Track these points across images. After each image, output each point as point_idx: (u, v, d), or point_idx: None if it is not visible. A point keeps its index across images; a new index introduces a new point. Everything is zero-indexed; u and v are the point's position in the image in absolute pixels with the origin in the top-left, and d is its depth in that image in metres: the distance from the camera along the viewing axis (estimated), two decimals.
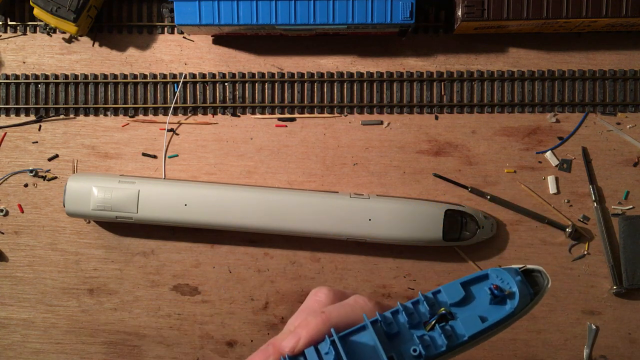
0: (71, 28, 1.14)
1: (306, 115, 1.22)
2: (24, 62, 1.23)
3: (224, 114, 1.22)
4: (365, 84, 1.21)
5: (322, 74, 1.21)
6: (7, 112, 1.22)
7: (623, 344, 1.19)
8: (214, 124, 1.22)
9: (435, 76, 1.21)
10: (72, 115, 1.22)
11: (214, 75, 1.22)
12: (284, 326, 0.54)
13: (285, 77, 1.21)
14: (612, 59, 1.20)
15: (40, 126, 1.22)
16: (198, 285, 1.21)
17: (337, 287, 1.18)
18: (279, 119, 1.21)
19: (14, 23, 1.22)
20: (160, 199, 1.12)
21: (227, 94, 1.22)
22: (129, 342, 1.21)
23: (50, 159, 1.22)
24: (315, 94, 1.22)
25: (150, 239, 1.21)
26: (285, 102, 1.21)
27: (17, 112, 1.22)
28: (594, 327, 1.17)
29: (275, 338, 0.49)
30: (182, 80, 1.21)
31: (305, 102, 1.21)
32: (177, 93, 1.21)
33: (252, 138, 1.21)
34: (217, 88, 1.22)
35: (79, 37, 1.22)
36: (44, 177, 1.22)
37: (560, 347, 1.19)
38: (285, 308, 1.20)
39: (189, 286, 1.21)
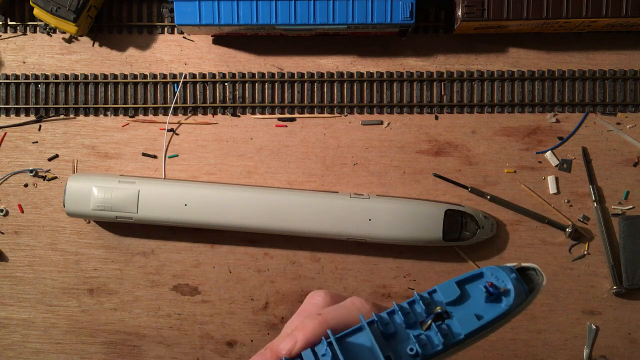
0: (71, 28, 1.14)
1: (306, 115, 1.22)
2: (24, 62, 1.23)
3: (224, 114, 1.22)
4: (365, 84, 1.21)
5: (322, 74, 1.21)
6: (7, 112, 1.22)
7: (623, 344, 1.19)
8: (214, 124, 1.22)
9: (435, 76, 1.21)
10: (72, 115, 1.22)
11: (214, 75, 1.22)
12: (283, 326, 0.54)
13: (285, 77, 1.21)
14: (612, 59, 1.20)
15: (40, 126, 1.22)
16: (198, 285, 1.21)
17: (337, 287, 1.19)
18: (279, 119, 1.21)
19: (14, 23, 1.22)
20: (160, 199, 1.12)
21: (227, 94, 1.22)
22: (129, 342, 1.21)
23: (50, 159, 1.22)
24: (315, 94, 1.22)
25: (150, 239, 1.21)
26: (285, 102, 1.21)
27: (17, 112, 1.22)
28: (594, 327, 1.17)
29: (272, 342, 0.49)
30: (182, 80, 1.21)
31: (305, 102, 1.21)
32: (177, 93, 1.21)
33: (252, 138, 1.21)
34: (217, 88, 1.22)
35: (79, 37, 1.22)
36: (44, 177, 1.22)
37: (560, 347, 1.19)
38: (285, 308, 1.20)
39: (189, 286, 1.21)
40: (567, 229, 1.18)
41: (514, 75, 1.20)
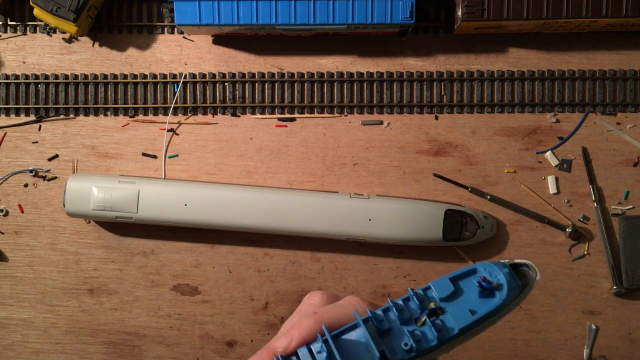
0: (71, 28, 1.15)
1: (306, 115, 1.22)
2: (24, 62, 1.23)
3: (224, 114, 1.22)
4: (365, 84, 1.21)
5: (322, 74, 1.21)
6: (7, 112, 1.22)
7: (623, 344, 1.19)
8: (214, 124, 1.22)
9: (435, 76, 1.21)
10: (72, 115, 1.22)
11: (214, 75, 1.22)
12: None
13: (285, 77, 1.21)
14: (612, 59, 1.20)
15: (40, 126, 1.22)
16: (198, 285, 1.21)
17: (337, 287, 1.19)
18: (279, 119, 1.21)
19: (14, 23, 1.22)
20: (160, 199, 1.12)
21: (227, 94, 1.22)
22: (129, 342, 1.21)
23: (50, 159, 1.22)
24: (315, 94, 1.22)
25: (150, 239, 1.21)
26: (285, 102, 1.21)
27: (17, 112, 1.22)
28: (594, 327, 1.17)
29: (269, 342, 0.49)
30: (182, 80, 1.21)
31: (305, 102, 1.21)
32: (177, 93, 1.21)
33: (252, 138, 1.21)
34: (217, 88, 1.22)
35: (79, 37, 1.22)
36: (44, 177, 1.22)
37: (560, 347, 1.19)
38: (285, 308, 1.20)
39: (189, 286, 1.21)
40: (567, 229, 1.18)
41: (514, 75, 1.20)
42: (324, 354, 0.45)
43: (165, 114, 1.21)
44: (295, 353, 0.46)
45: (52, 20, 1.14)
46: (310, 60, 1.22)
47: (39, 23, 1.22)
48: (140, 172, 1.21)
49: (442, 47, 1.21)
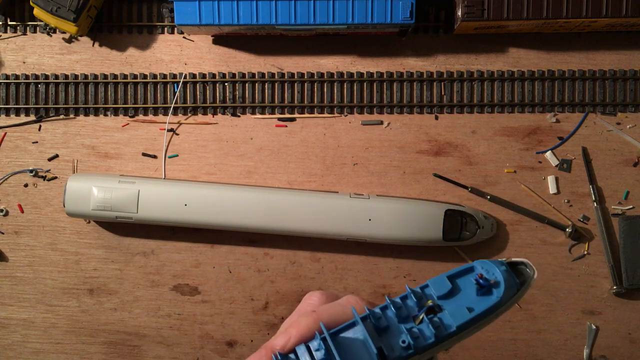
0: (71, 28, 1.15)
1: (306, 115, 1.22)
2: (24, 62, 1.23)
3: (224, 114, 1.22)
4: (365, 84, 1.21)
5: (322, 74, 1.21)
6: (7, 112, 1.22)
7: (623, 344, 1.19)
8: (214, 124, 1.22)
9: (435, 76, 1.21)
10: (72, 115, 1.22)
11: (214, 75, 1.22)
12: None
13: (285, 77, 1.21)
14: (612, 59, 1.20)
15: (40, 126, 1.22)
16: (198, 285, 1.21)
17: (337, 287, 1.19)
18: (279, 119, 1.21)
19: (14, 23, 1.22)
20: (160, 199, 1.12)
21: (227, 94, 1.22)
22: (129, 342, 1.21)
23: (50, 159, 1.22)
24: (315, 94, 1.22)
25: (150, 239, 1.21)
26: (285, 102, 1.21)
27: (17, 112, 1.22)
28: (594, 327, 1.17)
29: (268, 341, 0.49)
30: (182, 80, 1.21)
31: (305, 102, 1.21)
32: (177, 93, 1.21)
33: (252, 138, 1.21)
34: (217, 88, 1.22)
35: (79, 37, 1.22)
36: (44, 177, 1.22)
37: (560, 347, 1.19)
38: (285, 308, 1.20)
39: (189, 286, 1.21)
40: (567, 229, 1.18)
41: (514, 75, 1.20)
42: (322, 352, 0.45)
43: (165, 114, 1.21)
44: (293, 351, 0.46)
45: (52, 20, 1.14)
46: (310, 60, 1.22)
47: (39, 23, 1.22)
48: (140, 172, 1.21)
49: (442, 47, 1.21)
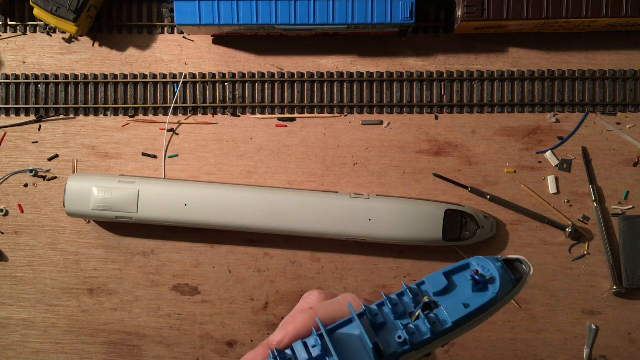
0: (71, 28, 1.15)
1: (306, 115, 1.22)
2: (24, 62, 1.23)
3: (224, 114, 1.22)
4: (365, 84, 1.21)
5: (322, 74, 1.21)
6: (7, 112, 1.22)
7: (623, 344, 1.19)
8: (214, 124, 1.22)
9: (435, 76, 1.21)
10: (72, 115, 1.22)
11: (214, 75, 1.22)
12: None
13: (285, 77, 1.21)
14: (612, 59, 1.20)
15: (40, 126, 1.22)
16: (198, 285, 1.21)
17: (337, 287, 1.19)
18: (279, 119, 1.21)
19: (14, 23, 1.22)
20: (160, 199, 1.12)
21: (227, 94, 1.22)
22: (129, 342, 1.21)
23: (50, 159, 1.22)
24: (315, 94, 1.22)
25: (150, 239, 1.21)
26: (285, 102, 1.21)
27: (17, 112, 1.22)
28: (594, 327, 1.17)
29: (266, 340, 0.50)
30: (182, 80, 1.21)
31: (305, 102, 1.21)
32: (177, 93, 1.21)
33: (252, 138, 1.21)
34: (217, 88, 1.22)
35: (79, 37, 1.22)
36: (44, 177, 1.22)
37: (560, 347, 1.19)
38: (285, 308, 1.20)
39: (189, 286, 1.21)
40: (567, 229, 1.18)
41: (514, 75, 1.20)
42: (319, 348, 0.45)
43: (165, 114, 1.21)
44: (290, 347, 0.47)
45: (52, 20, 1.14)
46: (310, 60, 1.22)
47: (39, 23, 1.22)
48: (140, 172, 1.21)
49: (442, 47, 1.21)
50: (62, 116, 1.22)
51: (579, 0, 1.08)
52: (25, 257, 1.22)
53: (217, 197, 1.12)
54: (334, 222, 1.11)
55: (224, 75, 1.21)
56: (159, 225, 1.17)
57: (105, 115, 1.22)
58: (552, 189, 1.19)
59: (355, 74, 1.21)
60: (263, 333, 1.20)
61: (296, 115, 1.21)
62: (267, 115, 1.22)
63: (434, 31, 1.21)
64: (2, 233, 1.22)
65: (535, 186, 1.20)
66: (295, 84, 1.21)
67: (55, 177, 1.22)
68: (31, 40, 1.23)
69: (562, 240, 1.20)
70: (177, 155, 1.21)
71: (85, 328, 1.21)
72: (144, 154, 1.21)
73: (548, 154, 1.20)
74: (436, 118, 1.21)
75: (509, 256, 0.51)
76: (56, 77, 1.22)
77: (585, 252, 1.19)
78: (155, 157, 1.21)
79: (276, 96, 1.21)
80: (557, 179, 1.20)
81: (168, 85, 1.22)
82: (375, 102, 1.21)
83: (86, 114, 1.22)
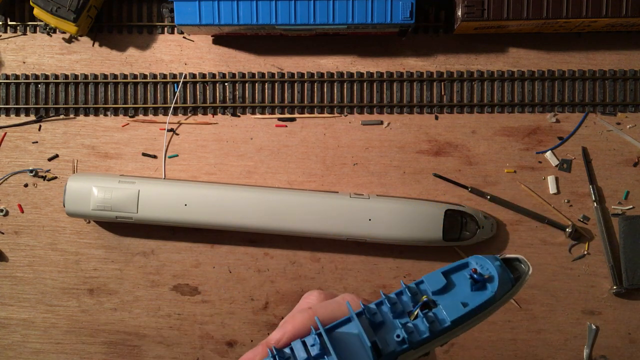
0: (71, 28, 1.15)
1: (306, 115, 1.22)
2: (24, 62, 1.23)
3: (224, 114, 1.22)
4: (365, 84, 1.21)
5: (322, 74, 1.21)
6: (7, 112, 1.22)
7: (623, 344, 1.19)
8: (214, 124, 1.22)
9: (435, 76, 1.21)
10: (72, 115, 1.22)
11: (214, 75, 1.22)
12: None
13: (285, 77, 1.21)
14: (612, 59, 1.20)
15: (40, 126, 1.22)
16: (198, 285, 1.21)
17: (337, 287, 1.19)
18: (279, 119, 1.21)
19: (14, 23, 1.22)
20: (160, 199, 1.12)
21: (227, 94, 1.22)
22: (129, 342, 1.21)
23: (50, 159, 1.22)
24: (315, 94, 1.22)
25: (150, 239, 1.21)
26: (285, 102, 1.21)
27: (17, 112, 1.22)
28: (594, 327, 1.17)
29: (265, 339, 0.50)
30: (182, 80, 1.21)
31: (305, 102, 1.21)
32: (177, 93, 1.21)
33: (252, 138, 1.21)
34: (217, 88, 1.22)
35: (79, 37, 1.22)
36: (44, 177, 1.22)
37: (560, 347, 1.19)
38: (285, 308, 1.20)
39: (189, 286, 1.21)
40: (567, 229, 1.18)
41: (514, 75, 1.20)
42: (317, 347, 0.45)
43: (165, 114, 1.21)
44: (289, 346, 0.47)
45: (52, 20, 1.14)
46: (310, 60, 1.22)
47: (39, 23, 1.22)
48: (140, 172, 1.21)
49: (442, 47, 1.21)
50: (62, 116, 1.22)
51: (579, 0, 1.08)
52: (25, 257, 1.22)
53: (217, 197, 1.12)
54: (334, 222, 1.11)
55: (224, 75, 1.21)
56: (159, 225, 1.17)
57: (105, 115, 1.22)
58: (552, 189, 1.19)
59: (355, 74, 1.21)
60: (263, 333, 1.20)
61: (296, 115, 1.21)
62: (267, 115, 1.22)
63: (434, 31, 1.21)
64: (2, 233, 1.22)
65: (535, 186, 1.20)
66: (295, 84, 1.21)
67: (55, 177, 1.22)
68: (31, 40, 1.23)
69: (562, 240, 1.20)
70: (177, 155, 1.21)
71: (85, 328, 1.21)
72: (144, 154, 1.21)
73: (548, 154, 1.20)
74: (436, 118, 1.21)
75: (508, 255, 0.51)
76: (56, 77, 1.22)
77: (585, 252, 1.19)
78: (155, 157, 1.21)
79: (276, 96, 1.21)
80: (557, 179, 1.20)
81: (168, 85, 1.22)
82: (375, 102, 1.21)
83: (86, 114, 1.22)
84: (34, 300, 1.22)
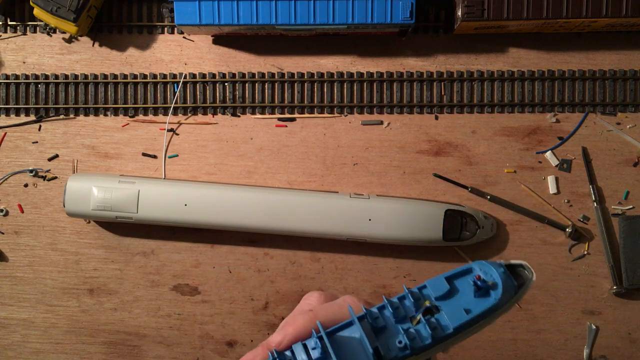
0: (71, 28, 1.15)
1: (306, 115, 1.22)
2: (24, 62, 1.23)
3: (224, 114, 1.22)
4: (365, 84, 1.21)
5: (322, 74, 1.21)
6: (7, 112, 1.22)
7: (623, 344, 1.19)
8: (214, 124, 1.22)
9: (435, 76, 1.21)
10: (72, 115, 1.22)
11: (214, 75, 1.22)
12: None
13: (285, 77, 1.21)
14: (612, 59, 1.20)
15: (40, 126, 1.22)
16: (198, 285, 1.21)
17: (337, 287, 1.19)
18: (279, 119, 1.21)
19: (14, 23, 1.22)
20: (160, 199, 1.12)
21: (227, 94, 1.22)
22: (129, 342, 1.21)
23: (50, 159, 1.22)
24: (315, 94, 1.22)
25: (150, 239, 1.21)
26: (285, 102, 1.21)
27: (17, 112, 1.22)
28: (594, 327, 1.17)
29: (266, 340, 0.50)
30: (182, 80, 1.21)
31: (305, 102, 1.21)
32: (177, 93, 1.21)
33: (252, 138, 1.21)
34: (217, 88, 1.22)
35: (79, 37, 1.22)
36: (44, 177, 1.22)
37: (560, 347, 1.19)
38: (285, 308, 1.20)
39: (189, 286, 1.21)
40: (567, 229, 1.18)
41: (514, 75, 1.20)
42: (318, 351, 0.45)
43: (165, 114, 1.21)
44: (290, 349, 0.47)
45: (52, 20, 1.14)
46: (310, 60, 1.22)
47: (39, 23, 1.22)
48: (140, 172, 1.21)
49: (442, 47, 1.21)
50: (62, 116, 1.22)
51: (579, 0, 1.08)
52: (25, 257, 1.22)
53: (217, 197, 1.12)
54: (334, 222, 1.11)
55: (224, 75, 1.21)
56: (159, 225, 1.17)
57: (105, 115, 1.22)
58: (552, 189, 1.19)
59: (355, 74, 1.21)
60: (263, 333, 1.20)
61: (296, 115, 1.21)
62: (267, 115, 1.22)
63: (434, 31, 1.21)
64: (2, 233, 1.22)
65: (535, 186, 1.20)
66: (295, 84, 1.21)
67: (55, 177, 1.22)
68: (31, 40, 1.23)
69: (562, 240, 1.20)
70: (177, 155, 1.21)
71: (85, 328, 1.21)
72: (144, 154, 1.21)
73: (548, 154, 1.20)
74: (436, 118, 1.21)
75: (512, 261, 0.50)
76: (56, 77, 1.22)
77: (585, 252, 1.19)
78: (155, 157, 1.21)
79: (276, 96, 1.21)
80: (557, 179, 1.20)
81: (168, 85, 1.22)
82: (375, 102, 1.21)
83: (86, 114, 1.22)
84: (34, 300, 1.22)
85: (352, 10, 1.08)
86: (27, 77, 1.22)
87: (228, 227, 1.14)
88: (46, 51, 1.23)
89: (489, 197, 1.19)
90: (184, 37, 1.22)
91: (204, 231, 1.19)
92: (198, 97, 1.21)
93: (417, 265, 1.20)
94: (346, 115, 1.21)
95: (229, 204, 1.12)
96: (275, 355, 0.46)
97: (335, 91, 1.21)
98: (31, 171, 1.21)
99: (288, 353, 0.46)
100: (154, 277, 1.21)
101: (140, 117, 1.22)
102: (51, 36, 1.23)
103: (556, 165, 1.20)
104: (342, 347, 0.46)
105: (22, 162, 1.22)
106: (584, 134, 1.20)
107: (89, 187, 1.12)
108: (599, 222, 1.19)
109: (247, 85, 1.21)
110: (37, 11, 1.14)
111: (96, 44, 1.23)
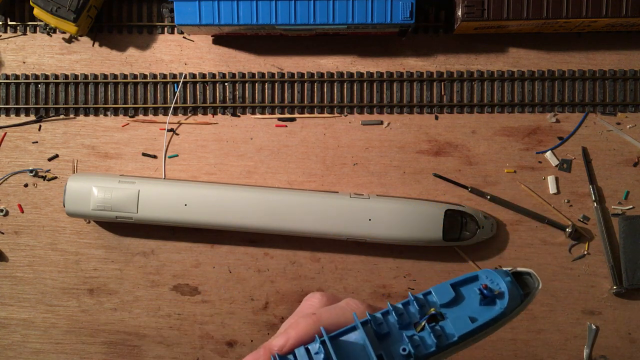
0: (71, 28, 1.15)
1: (306, 115, 1.22)
2: (24, 62, 1.23)
3: (224, 114, 1.22)
4: (365, 84, 1.21)
5: (322, 74, 1.21)
6: (7, 112, 1.22)
7: (623, 344, 1.19)
8: (214, 124, 1.22)
9: (435, 76, 1.21)
10: (72, 115, 1.22)
11: (214, 75, 1.22)
12: None
13: (285, 77, 1.21)
14: (612, 59, 1.20)
15: (40, 126, 1.22)
16: (198, 285, 1.21)
17: (337, 287, 1.19)
18: (279, 119, 1.21)
19: (14, 23, 1.22)
20: (160, 199, 1.12)
21: (227, 94, 1.22)
22: (129, 342, 1.21)
23: (50, 159, 1.22)
24: (315, 94, 1.22)
25: (150, 239, 1.21)
26: (285, 102, 1.21)
27: (17, 112, 1.22)
28: (594, 327, 1.17)
29: (267, 341, 0.49)
30: (182, 80, 1.21)
31: (305, 102, 1.21)
32: (177, 93, 1.21)
33: (252, 138, 1.21)
34: (217, 88, 1.22)
35: (79, 37, 1.22)
36: (44, 177, 1.22)
37: (560, 347, 1.19)
38: (285, 308, 1.20)
39: (189, 286, 1.21)
40: (567, 229, 1.18)
41: (514, 75, 1.20)
42: (321, 355, 0.45)
43: (165, 114, 1.21)
44: (292, 353, 0.46)
45: (52, 20, 1.14)
46: (310, 60, 1.22)
47: (39, 23, 1.22)
48: (140, 172, 1.21)
49: (442, 47, 1.21)
50: (62, 116, 1.22)
51: (579, 0, 1.08)
52: (25, 257, 1.22)
53: (217, 197, 1.12)
54: (334, 222, 1.11)
55: (224, 75, 1.21)
56: (159, 225, 1.17)
57: (105, 115, 1.22)
58: (552, 189, 1.19)
59: (355, 74, 1.21)
60: (263, 333, 1.20)
61: (296, 115, 1.21)
62: (267, 115, 1.22)
63: (434, 31, 1.21)
64: (2, 233, 1.22)
65: (535, 186, 1.20)
66: (295, 84, 1.21)
67: (55, 177, 1.22)
68: (31, 40, 1.23)
69: (562, 240, 1.20)
70: (177, 155, 1.21)
71: (85, 328, 1.21)
72: (144, 154, 1.21)
73: (548, 154, 1.20)
74: (436, 118, 1.21)
75: (519, 269, 0.50)
76: (56, 77, 1.22)
77: (585, 252, 1.19)
78: (155, 157, 1.21)
79: (276, 96, 1.21)
80: (557, 179, 1.20)
81: (168, 85, 1.22)
82: (375, 102, 1.21)
83: (86, 114, 1.22)
84: (34, 300, 1.22)
85: (352, 10, 1.08)
86: (27, 77, 1.22)
87: (228, 227, 1.14)
88: (46, 51, 1.23)
89: (489, 197, 1.19)
90: (184, 37, 1.22)
91: (204, 231, 1.19)
92: (198, 97, 1.21)
93: (417, 265, 1.20)
94: (346, 115, 1.21)
95: (229, 204, 1.12)
96: (278, 359, 0.45)
97: (335, 91, 1.21)
98: (31, 171, 1.21)
99: (290, 357, 0.46)
100: (154, 277, 1.21)
101: (140, 117, 1.22)
102: (51, 36, 1.23)
103: (556, 165, 1.20)
104: (345, 353, 0.45)
105: (22, 162, 1.22)
106: (584, 134, 1.20)
107: (89, 187, 1.12)
108: (599, 222, 1.19)
109: (247, 85, 1.21)
110: (37, 11, 1.14)
111: (96, 44, 1.23)
